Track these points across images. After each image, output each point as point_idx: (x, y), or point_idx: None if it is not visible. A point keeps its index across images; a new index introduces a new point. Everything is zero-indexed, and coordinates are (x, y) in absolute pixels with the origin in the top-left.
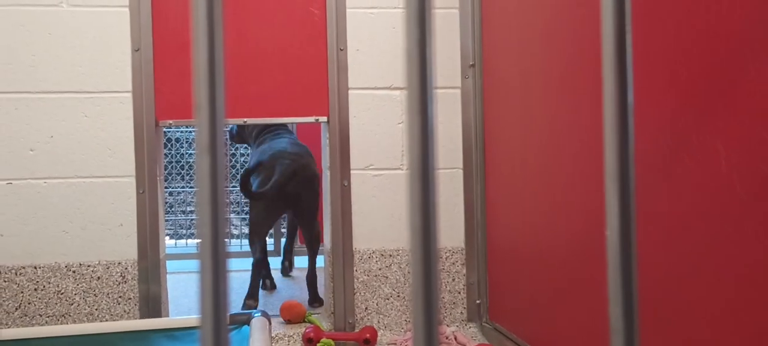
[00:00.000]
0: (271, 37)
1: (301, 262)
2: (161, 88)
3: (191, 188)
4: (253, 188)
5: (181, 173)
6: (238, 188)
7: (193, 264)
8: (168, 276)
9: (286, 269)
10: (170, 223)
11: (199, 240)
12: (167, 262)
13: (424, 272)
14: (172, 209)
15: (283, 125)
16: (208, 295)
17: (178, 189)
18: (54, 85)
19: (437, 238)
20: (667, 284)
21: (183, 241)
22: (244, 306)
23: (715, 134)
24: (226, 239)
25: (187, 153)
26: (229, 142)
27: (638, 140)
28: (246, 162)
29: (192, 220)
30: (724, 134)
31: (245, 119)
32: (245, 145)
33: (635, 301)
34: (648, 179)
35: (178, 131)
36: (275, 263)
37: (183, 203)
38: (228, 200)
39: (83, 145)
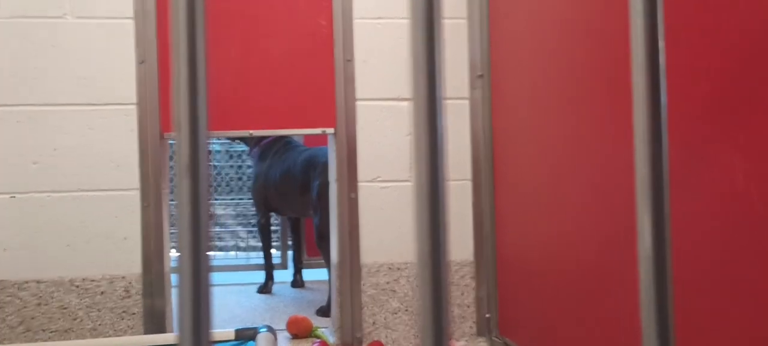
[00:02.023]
0: (278, 48)
1: (307, 275)
2: (167, 100)
3: None
4: (315, 195)
5: None
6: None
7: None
8: (174, 290)
9: (298, 282)
10: (176, 236)
11: (178, 271)
12: (173, 275)
13: (434, 287)
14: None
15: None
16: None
17: None
18: (58, 97)
19: (447, 251)
20: (683, 298)
21: None
22: None
23: (733, 147)
24: (209, 267)
25: None
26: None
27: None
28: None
29: None
30: (742, 147)
31: (251, 131)
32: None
33: (671, 319)
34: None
35: None
36: (280, 276)
37: None
38: (234, 212)
39: (88, 158)
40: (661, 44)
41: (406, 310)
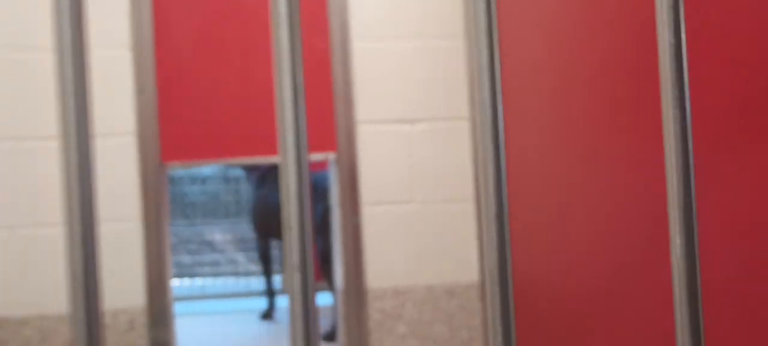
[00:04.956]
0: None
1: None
2: (166, 130)
3: (193, 226)
4: (318, 219)
5: (183, 212)
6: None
7: (198, 305)
8: (177, 320)
9: None
10: (174, 263)
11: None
12: (176, 305)
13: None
14: (175, 249)
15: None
16: None
17: (180, 227)
18: (56, 130)
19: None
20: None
21: (188, 280)
22: None
23: (738, 163)
24: None
25: (188, 190)
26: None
27: (653, 171)
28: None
29: (196, 259)
30: (748, 164)
31: (254, 158)
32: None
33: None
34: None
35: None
36: (282, 302)
37: (186, 241)
38: (232, 237)
39: None
40: (685, 56)
41: (414, 335)
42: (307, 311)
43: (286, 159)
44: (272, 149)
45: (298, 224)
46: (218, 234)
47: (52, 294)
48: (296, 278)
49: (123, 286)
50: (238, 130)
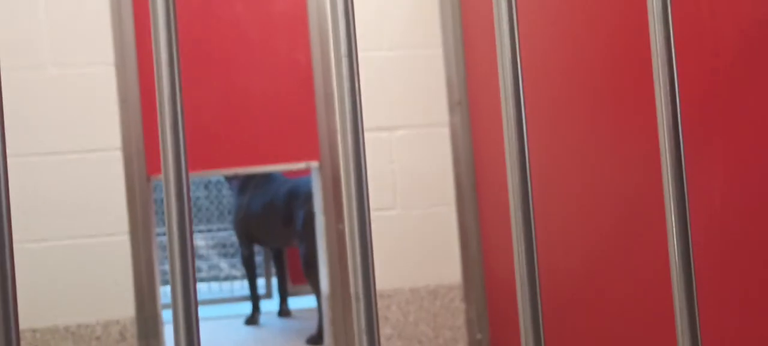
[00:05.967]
0: (259, 86)
1: (293, 303)
2: (151, 143)
3: None
4: (300, 224)
5: (164, 219)
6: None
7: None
8: (168, 327)
9: (284, 311)
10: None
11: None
12: (165, 313)
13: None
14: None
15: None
16: None
17: (163, 236)
18: (43, 146)
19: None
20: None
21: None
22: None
23: (708, 166)
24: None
25: None
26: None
27: (625, 174)
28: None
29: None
30: (720, 167)
31: (236, 169)
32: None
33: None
34: (635, 216)
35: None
36: (266, 306)
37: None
38: (213, 242)
39: (76, 204)
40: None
41: (400, 335)
42: None
43: (352, 219)
44: (254, 160)
45: (365, 294)
46: (201, 240)
47: (43, 308)
48: (365, 340)
49: (114, 298)
50: (221, 143)
